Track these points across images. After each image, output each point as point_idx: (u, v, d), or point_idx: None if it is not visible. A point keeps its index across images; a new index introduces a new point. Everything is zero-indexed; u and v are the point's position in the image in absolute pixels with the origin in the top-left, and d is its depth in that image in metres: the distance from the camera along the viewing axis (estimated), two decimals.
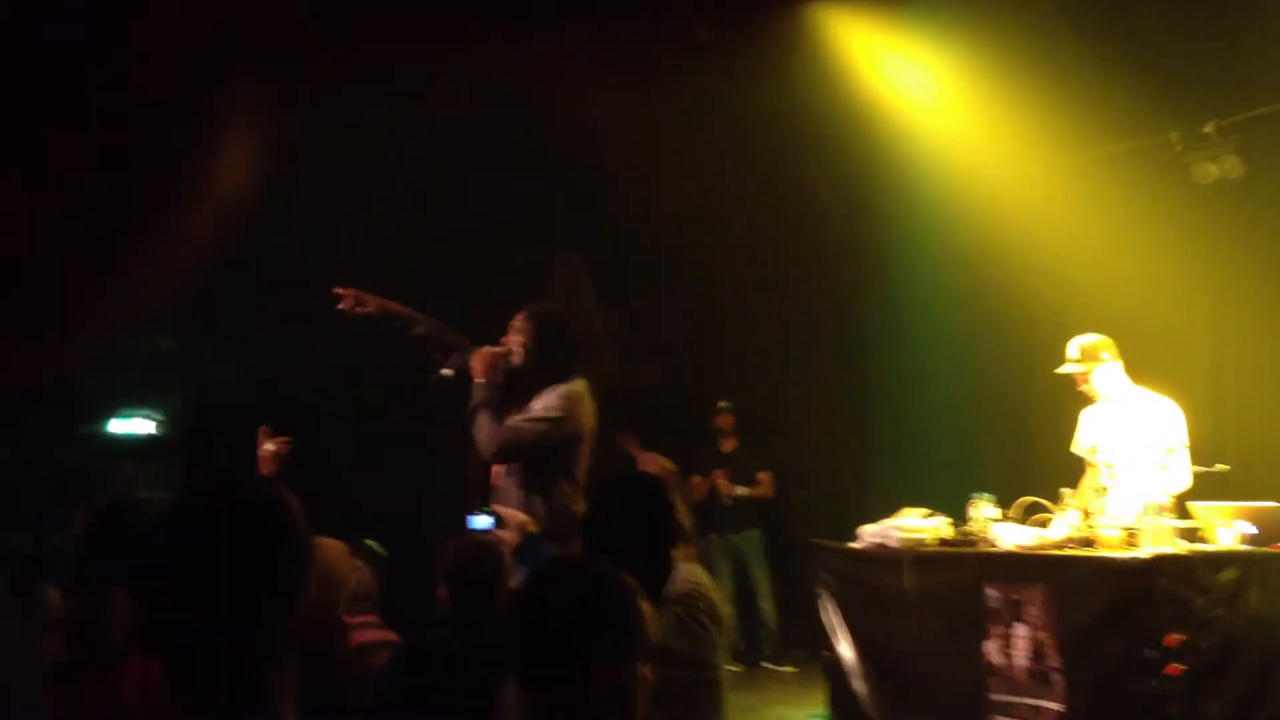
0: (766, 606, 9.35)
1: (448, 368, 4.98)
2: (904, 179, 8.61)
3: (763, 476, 9.45)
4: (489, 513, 3.80)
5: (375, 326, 5.23)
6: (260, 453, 4.56)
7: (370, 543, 5.40)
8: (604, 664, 1.99)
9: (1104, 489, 5.79)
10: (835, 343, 9.86)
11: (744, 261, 9.81)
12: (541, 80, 9.21)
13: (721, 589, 8.91)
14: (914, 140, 8.32)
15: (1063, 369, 5.92)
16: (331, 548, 3.62)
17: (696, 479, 9.36)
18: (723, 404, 9.68)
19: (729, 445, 9.65)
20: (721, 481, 9.36)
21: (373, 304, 5.13)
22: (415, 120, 9.70)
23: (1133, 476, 5.66)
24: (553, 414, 4.67)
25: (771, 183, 9.51)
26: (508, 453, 4.66)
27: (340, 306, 5.12)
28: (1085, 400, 6.04)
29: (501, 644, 2.61)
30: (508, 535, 3.66)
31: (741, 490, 9.37)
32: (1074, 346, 5.91)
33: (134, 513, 3.27)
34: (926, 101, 8.27)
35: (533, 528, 3.64)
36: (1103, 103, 7.46)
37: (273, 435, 4.59)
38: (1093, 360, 5.87)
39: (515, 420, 4.70)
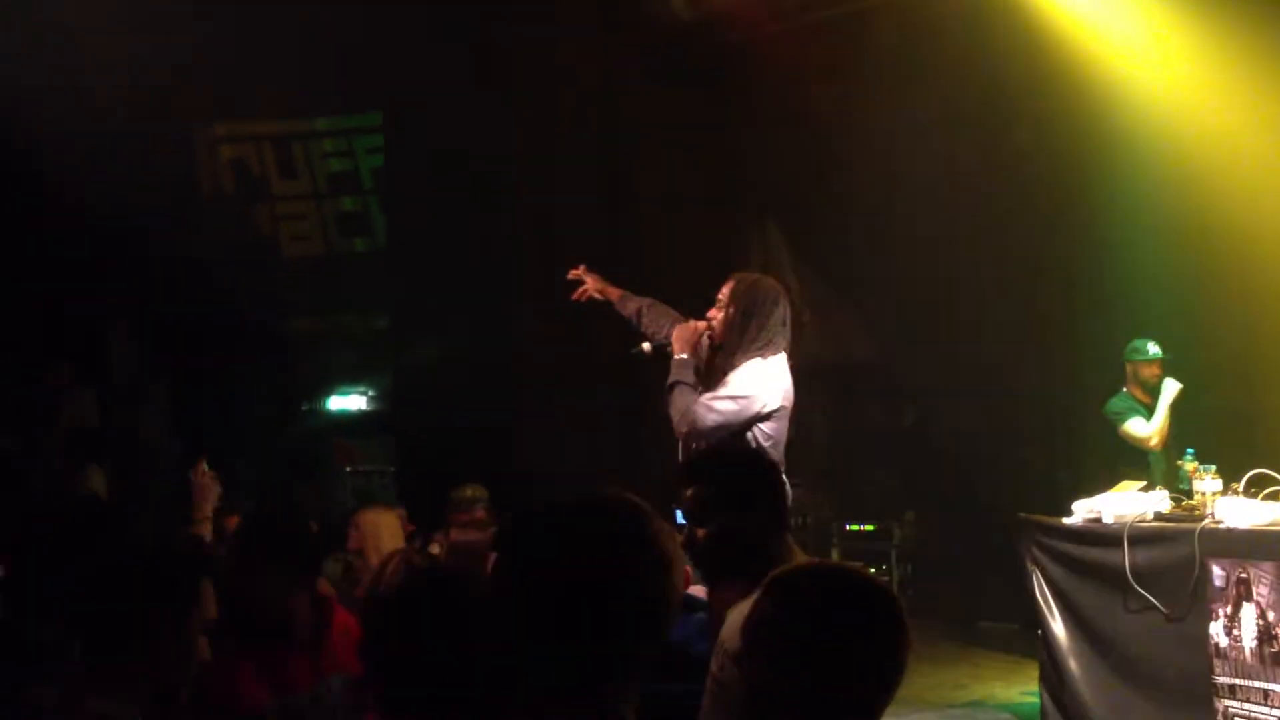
0: None
1: (647, 343, 4.98)
2: (1121, 134, 8.22)
3: None
4: None
5: (596, 308, 5.37)
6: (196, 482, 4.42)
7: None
8: None
9: None
10: (1042, 306, 9.46)
11: (948, 227, 9.48)
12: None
13: None
14: (1133, 93, 7.95)
15: None
16: None
17: None
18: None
19: None
20: None
21: (593, 284, 5.32)
22: (605, 92, 9.81)
23: None
24: (741, 392, 4.57)
25: (978, 141, 9.18)
26: (695, 430, 4.59)
27: (575, 295, 5.33)
28: None
29: None
30: None
31: None
32: None
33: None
34: (1148, 52, 7.88)
35: None
36: None
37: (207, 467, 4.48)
38: None
39: (706, 397, 4.64)
